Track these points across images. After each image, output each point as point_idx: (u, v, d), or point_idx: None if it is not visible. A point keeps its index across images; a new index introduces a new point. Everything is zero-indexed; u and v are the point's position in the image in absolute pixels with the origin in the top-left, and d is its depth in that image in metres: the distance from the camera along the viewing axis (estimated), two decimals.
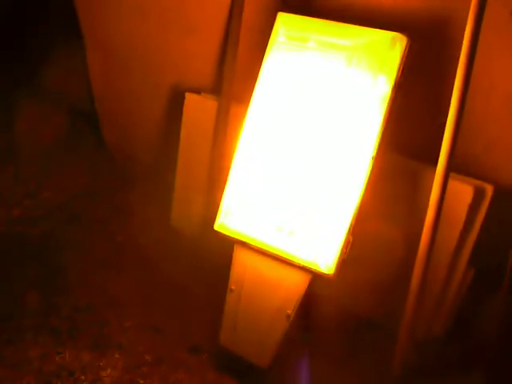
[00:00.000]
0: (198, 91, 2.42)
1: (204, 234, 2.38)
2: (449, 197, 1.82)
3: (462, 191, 1.90)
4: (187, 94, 2.41)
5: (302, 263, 1.83)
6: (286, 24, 1.93)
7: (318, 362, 1.99)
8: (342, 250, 1.78)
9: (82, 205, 2.80)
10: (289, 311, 1.87)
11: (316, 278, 1.84)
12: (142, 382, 1.97)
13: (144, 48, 2.52)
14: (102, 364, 2.01)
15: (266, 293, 1.91)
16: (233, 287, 1.96)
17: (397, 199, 1.97)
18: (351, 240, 1.79)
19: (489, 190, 1.90)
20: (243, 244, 1.92)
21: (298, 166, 1.88)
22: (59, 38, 2.78)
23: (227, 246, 1.98)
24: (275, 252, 1.87)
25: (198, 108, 2.39)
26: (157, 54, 2.51)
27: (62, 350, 2.05)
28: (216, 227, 1.94)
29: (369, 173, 1.76)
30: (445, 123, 1.76)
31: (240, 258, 1.95)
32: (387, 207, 1.95)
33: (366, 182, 1.76)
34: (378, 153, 1.77)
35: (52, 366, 1.99)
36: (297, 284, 1.86)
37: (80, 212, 2.76)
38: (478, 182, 1.91)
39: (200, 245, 2.40)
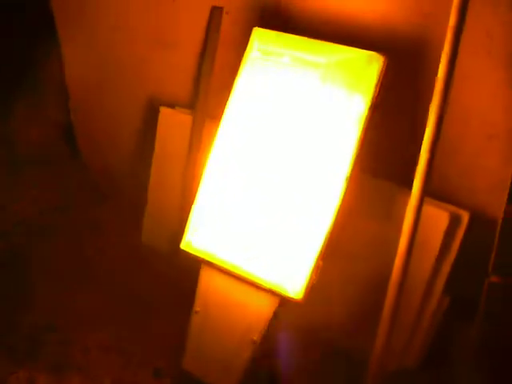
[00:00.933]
0: (172, 105, 2.36)
1: (175, 252, 2.31)
2: (424, 222, 1.76)
3: (437, 217, 1.84)
4: (162, 108, 2.35)
5: (269, 286, 1.76)
6: (261, 39, 1.88)
7: None
8: (312, 274, 1.72)
9: (53, 219, 2.70)
10: (254, 337, 1.79)
11: (284, 302, 1.77)
12: None
13: (120, 61, 2.47)
14: None
15: (231, 316, 1.84)
16: (198, 309, 1.88)
17: (370, 223, 1.91)
18: (321, 265, 1.72)
19: (464, 216, 1.85)
20: (209, 264, 1.85)
21: (270, 185, 1.81)
22: (35, 47, 2.72)
23: (198, 265, 1.91)
24: (242, 274, 1.80)
25: (172, 122, 2.33)
26: (133, 68, 2.45)
27: (17, 370, 1.96)
28: (182, 246, 1.87)
29: (342, 194, 1.70)
30: (421, 145, 1.71)
31: (206, 278, 1.88)
32: (360, 231, 1.89)
33: (339, 204, 1.70)
34: (352, 174, 1.72)
35: None
36: (263, 308, 1.79)
37: (50, 226, 2.66)
38: (454, 208, 1.86)
39: (171, 263, 2.32)
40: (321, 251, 1.70)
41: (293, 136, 1.81)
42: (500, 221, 1.68)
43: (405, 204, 1.77)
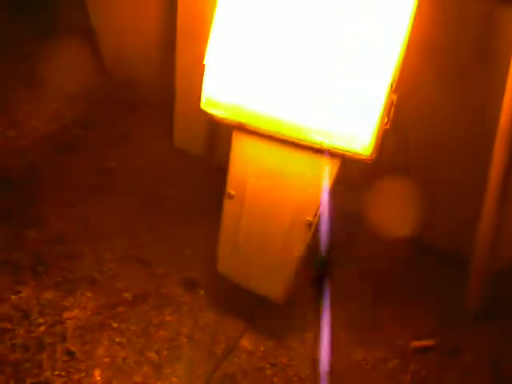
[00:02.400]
0: None
1: (210, 151, 1.88)
2: None
3: None
4: None
5: (324, 144, 1.25)
6: None
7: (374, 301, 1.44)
8: (383, 115, 1.20)
9: (75, 135, 2.32)
10: (309, 218, 1.30)
11: (347, 163, 1.26)
12: (115, 325, 1.47)
13: None
14: (67, 304, 1.55)
15: (276, 195, 1.35)
16: (232, 192, 1.41)
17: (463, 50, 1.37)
18: (395, 101, 1.20)
19: None
20: (242, 127, 1.37)
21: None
22: None
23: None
24: (286, 132, 1.30)
25: None
26: None
27: (22, 288, 1.57)
28: (203, 105, 1.39)
29: None
30: None
31: (239, 148, 1.40)
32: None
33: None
34: None
35: (4, 308, 1.51)
36: (319, 177, 1.29)
37: (72, 142, 2.27)
38: None
39: (206, 163, 1.89)
40: (393, 78, 1.18)
41: None
42: None
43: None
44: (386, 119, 1.20)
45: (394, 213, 1.65)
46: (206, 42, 1.42)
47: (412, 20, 1.16)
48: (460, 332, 1.38)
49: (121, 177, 2.01)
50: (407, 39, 1.18)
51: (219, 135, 1.87)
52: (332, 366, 1.34)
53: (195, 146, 2.00)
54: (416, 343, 1.31)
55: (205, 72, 1.35)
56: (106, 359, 1.39)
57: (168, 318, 1.47)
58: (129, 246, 1.69)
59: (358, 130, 1.21)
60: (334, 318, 1.41)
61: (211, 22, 1.40)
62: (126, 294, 1.54)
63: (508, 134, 1.26)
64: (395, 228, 1.62)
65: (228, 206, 1.41)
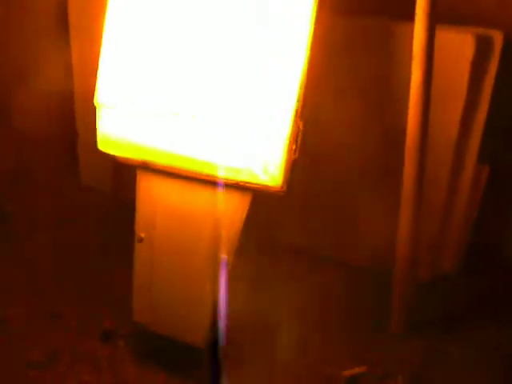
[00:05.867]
0: None
1: (117, 186, 1.78)
2: (440, 56, 1.20)
3: (459, 44, 1.29)
4: None
5: (233, 178, 1.19)
6: None
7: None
8: (290, 144, 1.15)
9: None
10: (223, 255, 1.24)
11: (257, 196, 1.21)
12: None
13: None
14: None
15: (187, 234, 1.27)
16: (141, 234, 1.32)
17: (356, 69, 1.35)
18: (301, 127, 1.16)
19: (497, 37, 1.29)
20: (145, 166, 1.28)
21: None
22: None
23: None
24: (191, 168, 1.23)
25: None
26: None
27: None
28: (100, 145, 1.29)
29: (313, 18, 1.13)
30: None
31: (146, 189, 1.31)
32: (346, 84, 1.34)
33: (311, 30, 1.12)
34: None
35: None
36: (231, 213, 1.23)
37: None
38: (481, 30, 1.30)
39: (115, 199, 1.79)
40: (298, 105, 1.14)
41: None
42: None
43: (407, 39, 1.21)
44: (294, 147, 1.15)
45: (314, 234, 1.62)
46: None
47: (309, 46, 1.11)
48: (389, 353, 1.35)
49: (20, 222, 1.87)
50: (307, 64, 1.14)
51: (126, 170, 1.78)
52: None
53: (102, 183, 1.89)
54: (348, 372, 1.27)
55: (97, 112, 1.25)
56: None
57: (86, 378, 1.35)
58: (35, 299, 1.55)
59: (264, 161, 1.16)
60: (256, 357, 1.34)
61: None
62: (36, 355, 1.41)
63: (415, 150, 1.26)
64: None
65: (139, 250, 1.32)
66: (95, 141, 1.32)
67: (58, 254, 1.71)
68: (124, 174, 1.81)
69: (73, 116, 1.98)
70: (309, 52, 1.14)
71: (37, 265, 1.66)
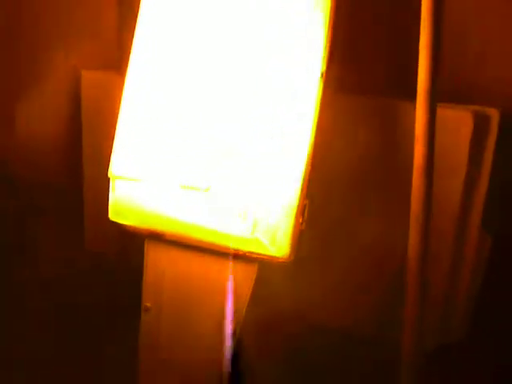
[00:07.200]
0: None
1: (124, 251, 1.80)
2: (441, 134, 1.25)
3: (458, 122, 1.34)
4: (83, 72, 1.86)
5: (239, 247, 1.22)
6: None
7: None
8: (296, 217, 1.19)
9: None
10: (232, 326, 1.25)
11: (264, 266, 1.23)
12: None
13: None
14: None
15: (195, 305, 1.29)
16: (148, 304, 1.33)
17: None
18: (307, 203, 1.20)
19: (494, 115, 1.35)
20: (155, 236, 1.31)
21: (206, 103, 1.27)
22: None
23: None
24: (199, 238, 1.26)
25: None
26: None
27: None
28: (111, 215, 1.32)
29: (319, 97, 1.19)
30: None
31: (154, 258, 1.33)
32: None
33: (317, 108, 1.18)
34: (327, 70, 1.21)
35: None
36: (239, 283, 1.25)
37: None
38: (478, 108, 1.36)
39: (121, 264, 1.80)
40: (303, 182, 1.18)
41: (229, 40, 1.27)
42: None
43: (408, 119, 1.27)
44: (301, 219, 1.19)
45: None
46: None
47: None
48: None
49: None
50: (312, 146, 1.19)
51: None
52: None
53: (108, 247, 1.91)
54: None
55: (110, 185, 1.29)
56: None
57: None
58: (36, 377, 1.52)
59: (272, 231, 1.19)
60: None
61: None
62: None
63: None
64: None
65: (145, 320, 1.33)
66: (101, 207, 1.37)
67: (59, 323, 1.67)
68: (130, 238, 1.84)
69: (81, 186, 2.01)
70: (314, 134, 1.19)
71: (39, 336, 1.62)
